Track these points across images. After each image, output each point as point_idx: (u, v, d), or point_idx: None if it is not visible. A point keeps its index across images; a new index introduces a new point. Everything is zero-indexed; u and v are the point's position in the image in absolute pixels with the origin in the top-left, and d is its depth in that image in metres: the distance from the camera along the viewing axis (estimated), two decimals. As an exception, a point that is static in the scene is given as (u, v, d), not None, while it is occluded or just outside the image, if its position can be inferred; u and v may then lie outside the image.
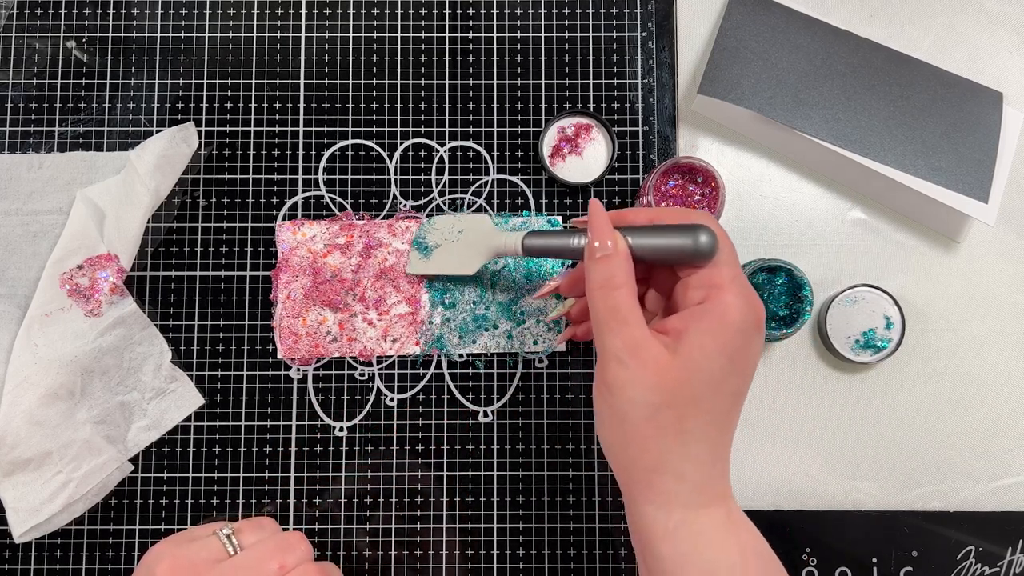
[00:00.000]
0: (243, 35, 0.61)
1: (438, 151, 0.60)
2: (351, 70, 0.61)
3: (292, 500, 0.58)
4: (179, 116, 0.61)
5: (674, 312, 0.43)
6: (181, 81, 0.61)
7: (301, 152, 0.60)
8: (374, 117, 0.61)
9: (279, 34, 0.61)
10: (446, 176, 0.60)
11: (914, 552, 0.56)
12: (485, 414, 0.58)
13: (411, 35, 0.61)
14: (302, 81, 0.61)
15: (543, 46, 0.61)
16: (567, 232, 0.47)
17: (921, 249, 0.59)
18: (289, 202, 0.60)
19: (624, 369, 0.41)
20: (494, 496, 0.58)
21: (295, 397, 0.58)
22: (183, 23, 0.61)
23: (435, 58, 0.61)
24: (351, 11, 0.62)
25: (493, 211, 0.60)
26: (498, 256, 0.54)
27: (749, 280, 0.55)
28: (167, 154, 0.58)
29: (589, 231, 0.44)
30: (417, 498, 0.58)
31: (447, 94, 0.61)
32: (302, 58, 0.61)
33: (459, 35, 0.61)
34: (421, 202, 0.60)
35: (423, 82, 0.61)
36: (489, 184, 0.60)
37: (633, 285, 0.42)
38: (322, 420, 0.58)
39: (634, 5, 0.61)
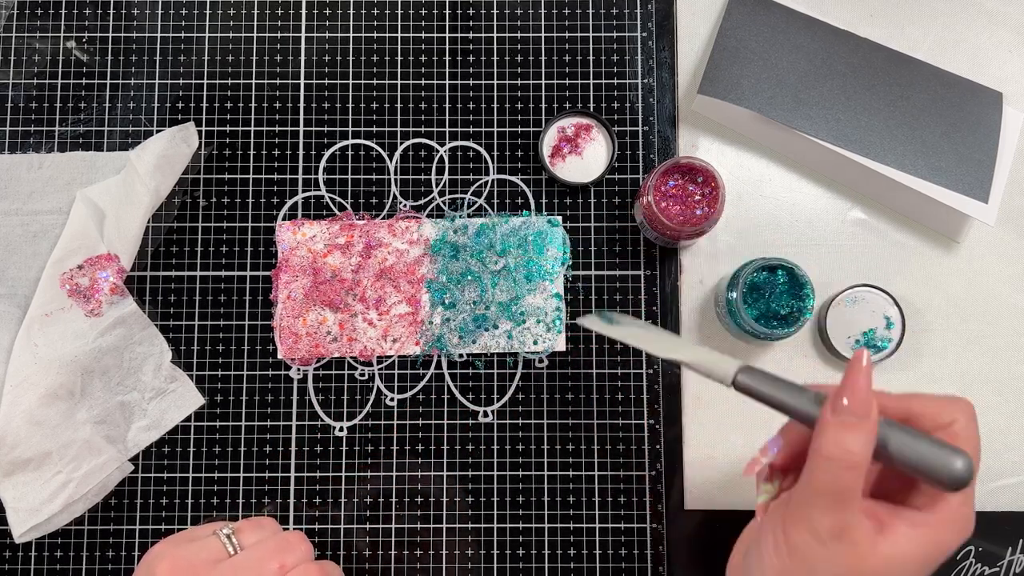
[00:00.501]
0: (243, 35, 0.61)
1: (438, 151, 0.60)
2: (351, 70, 0.61)
3: (292, 500, 0.57)
4: (179, 116, 0.61)
5: (883, 484, 0.41)
6: (181, 81, 0.61)
7: (301, 152, 0.60)
8: (374, 117, 0.61)
9: (279, 34, 0.61)
10: (446, 176, 0.60)
11: (914, 552, 0.56)
12: (485, 414, 0.58)
13: (411, 35, 0.61)
14: (302, 81, 0.61)
15: (543, 46, 0.61)
16: (795, 387, 0.40)
17: (921, 249, 0.59)
18: (289, 202, 0.60)
19: (821, 547, 0.38)
20: (494, 496, 0.58)
21: (295, 397, 0.58)
22: (183, 23, 0.61)
23: (435, 58, 0.61)
24: (351, 11, 0.62)
25: (493, 211, 0.60)
26: (695, 369, 0.44)
27: (749, 280, 0.55)
28: (167, 154, 0.58)
29: (843, 388, 0.38)
30: (417, 498, 0.58)
31: (447, 94, 0.61)
32: (302, 58, 0.61)
33: (459, 35, 0.61)
34: (421, 202, 0.60)
35: (423, 82, 0.61)
36: (489, 184, 0.60)
37: (869, 464, 0.38)
38: (322, 420, 0.58)
39: (634, 5, 0.61)
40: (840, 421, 0.37)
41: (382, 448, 0.58)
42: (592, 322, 0.49)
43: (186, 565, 0.46)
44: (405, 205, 0.60)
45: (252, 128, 0.61)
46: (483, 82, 0.61)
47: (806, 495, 0.38)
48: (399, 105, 0.61)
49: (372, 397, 0.58)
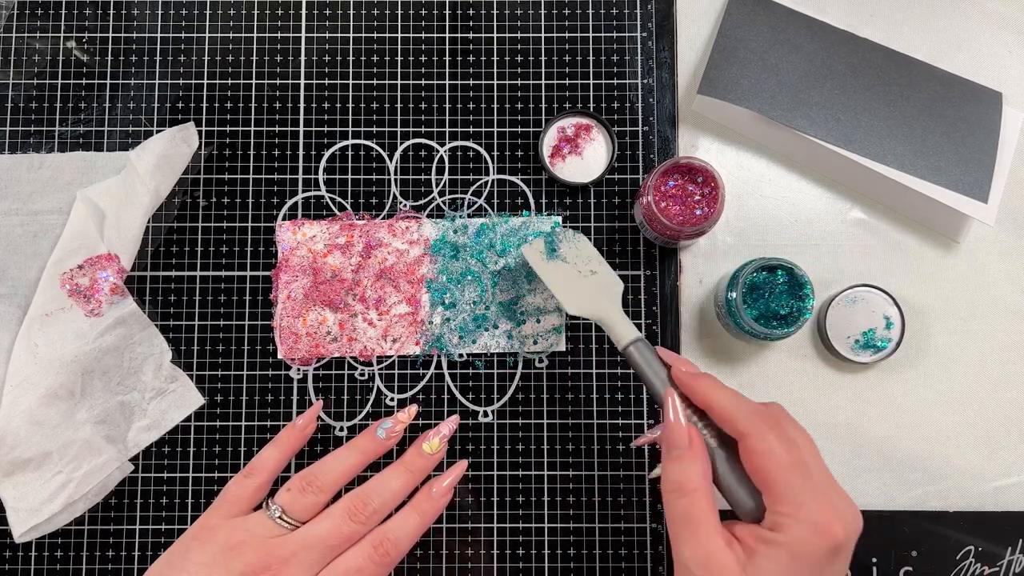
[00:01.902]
0: (243, 35, 0.61)
1: (438, 151, 0.60)
2: (351, 70, 0.61)
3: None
4: (179, 116, 0.61)
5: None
6: (181, 81, 0.61)
7: (301, 152, 0.60)
8: (374, 117, 0.61)
9: (279, 34, 0.61)
10: (446, 176, 0.60)
11: (914, 552, 0.56)
12: (485, 414, 0.58)
13: (411, 35, 0.61)
14: (302, 81, 0.61)
15: (543, 46, 0.61)
16: (658, 377, 0.45)
17: (921, 249, 0.59)
18: (289, 202, 0.60)
19: None
20: (494, 496, 0.58)
21: (295, 397, 0.58)
22: (183, 23, 0.61)
23: (435, 58, 0.61)
24: (351, 11, 0.62)
25: (493, 211, 0.60)
26: (600, 325, 0.51)
27: (749, 280, 0.55)
28: (167, 154, 0.58)
29: (664, 425, 0.42)
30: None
31: (447, 94, 0.61)
32: (302, 58, 0.61)
33: (459, 35, 0.61)
34: (421, 202, 0.60)
35: (423, 82, 0.61)
36: (489, 184, 0.60)
37: (708, 488, 0.40)
38: (322, 420, 0.58)
39: (634, 5, 0.61)
40: (670, 456, 0.42)
41: (382, 448, 0.58)
42: (531, 252, 0.54)
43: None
44: (405, 205, 0.60)
45: (252, 128, 0.61)
46: (483, 82, 0.61)
47: (670, 527, 0.41)
48: (399, 105, 0.61)
49: (372, 397, 0.58)
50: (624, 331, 0.49)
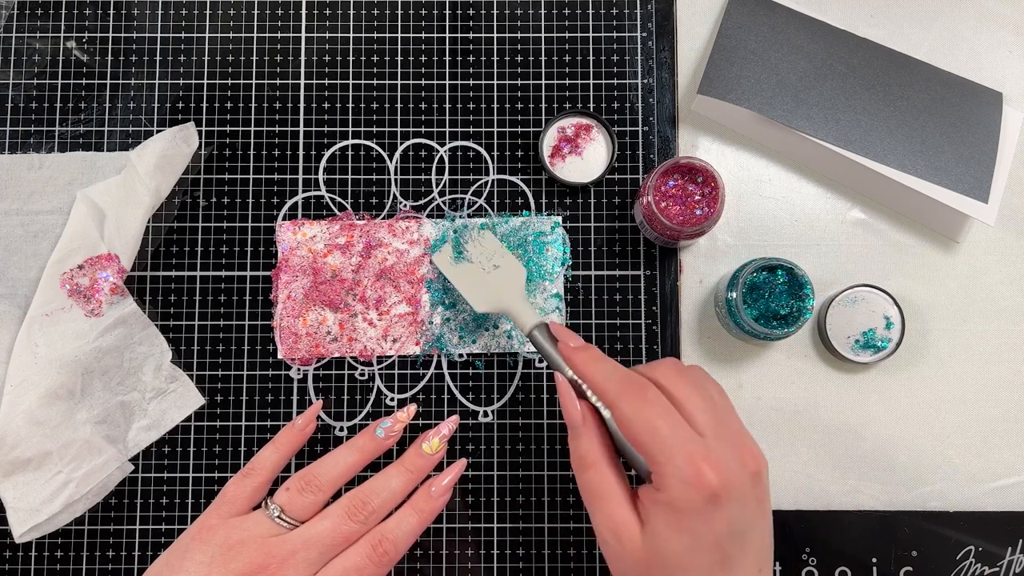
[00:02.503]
0: (243, 35, 0.61)
1: (438, 151, 0.60)
2: (351, 70, 0.61)
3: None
4: (179, 116, 0.61)
5: None
6: (181, 81, 0.61)
7: (301, 152, 0.60)
8: (374, 117, 0.61)
9: (279, 34, 0.61)
10: (446, 176, 0.60)
11: (914, 552, 0.56)
12: (485, 414, 0.58)
13: (411, 35, 0.61)
14: (302, 81, 0.61)
15: (543, 46, 0.61)
16: (557, 358, 0.47)
17: (921, 249, 0.59)
18: (289, 202, 0.60)
19: (607, 546, 0.42)
20: (494, 496, 0.58)
21: (295, 397, 0.58)
22: (183, 23, 0.61)
23: (435, 58, 0.61)
24: (351, 11, 0.62)
25: (493, 211, 0.60)
26: (507, 316, 0.53)
27: (749, 280, 0.55)
28: (167, 154, 0.58)
29: (560, 405, 0.45)
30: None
31: (447, 94, 0.61)
32: (302, 58, 0.61)
33: (459, 35, 0.61)
34: (421, 202, 0.60)
35: (423, 82, 0.61)
36: (489, 184, 0.60)
37: (607, 459, 0.43)
38: (322, 420, 0.58)
39: (634, 5, 0.61)
40: (571, 434, 0.44)
41: (382, 448, 0.58)
42: (440, 258, 0.57)
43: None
44: (405, 205, 0.60)
45: (252, 128, 0.61)
46: (483, 82, 0.61)
47: (584, 502, 0.43)
48: (399, 105, 0.61)
49: (372, 397, 0.58)
50: (526, 319, 0.51)
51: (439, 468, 0.54)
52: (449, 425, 0.52)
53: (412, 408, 0.53)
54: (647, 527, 0.41)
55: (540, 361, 0.58)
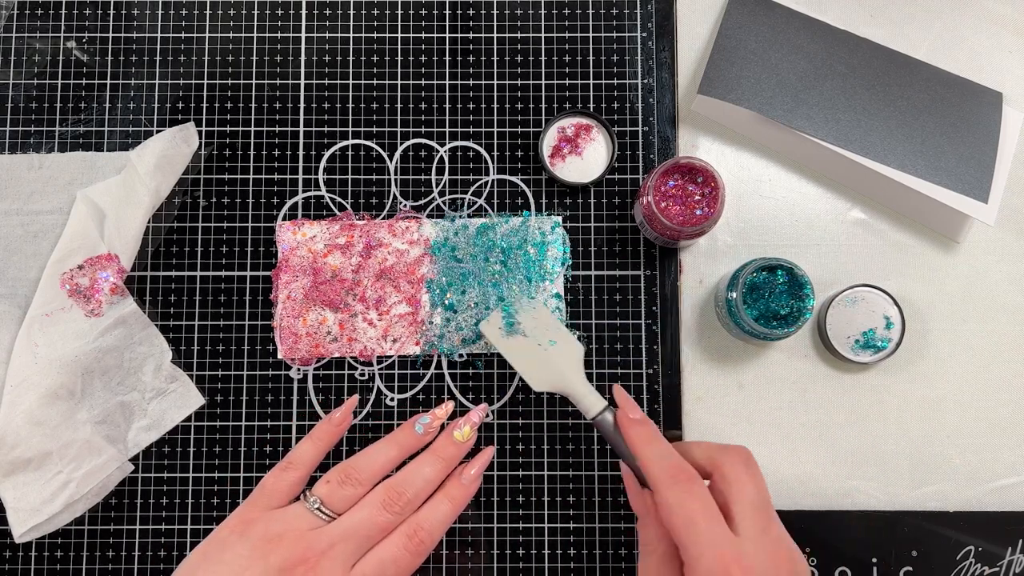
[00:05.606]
0: (243, 35, 0.61)
1: (438, 151, 0.60)
2: (351, 70, 0.61)
3: (292, 500, 0.57)
4: (179, 116, 0.61)
5: None
6: (181, 81, 0.61)
7: (301, 152, 0.60)
8: (374, 117, 0.61)
9: (279, 34, 0.61)
10: (446, 176, 0.60)
11: (914, 552, 0.56)
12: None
13: (411, 35, 0.61)
14: (302, 81, 0.61)
15: (543, 46, 0.61)
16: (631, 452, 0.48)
17: (921, 249, 0.59)
18: (289, 202, 0.60)
19: None
20: (494, 496, 0.58)
21: (295, 397, 0.58)
22: (183, 23, 0.61)
23: (435, 58, 0.61)
24: (351, 11, 0.62)
25: (493, 211, 0.60)
26: (565, 397, 0.52)
27: (749, 280, 0.55)
28: (167, 154, 0.58)
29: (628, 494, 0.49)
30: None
31: (447, 94, 0.61)
32: (302, 58, 0.61)
33: (459, 35, 0.61)
34: (421, 202, 0.60)
35: (423, 82, 0.61)
36: (489, 184, 0.60)
37: (666, 548, 0.45)
38: (322, 420, 0.58)
39: (634, 5, 0.61)
40: (637, 521, 0.48)
41: (382, 448, 0.58)
42: (489, 329, 0.55)
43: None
44: (405, 205, 0.60)
45: (252, 128, 0.61)
46: (483, 82, 0.61)
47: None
48: (399, 105, 0.61)
49: (372, 397, 0.58)
50: (590, 403, 0.51)
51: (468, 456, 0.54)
52: (479, 413, 0.52)
53: (450, 405, 0.53)
54: None
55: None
